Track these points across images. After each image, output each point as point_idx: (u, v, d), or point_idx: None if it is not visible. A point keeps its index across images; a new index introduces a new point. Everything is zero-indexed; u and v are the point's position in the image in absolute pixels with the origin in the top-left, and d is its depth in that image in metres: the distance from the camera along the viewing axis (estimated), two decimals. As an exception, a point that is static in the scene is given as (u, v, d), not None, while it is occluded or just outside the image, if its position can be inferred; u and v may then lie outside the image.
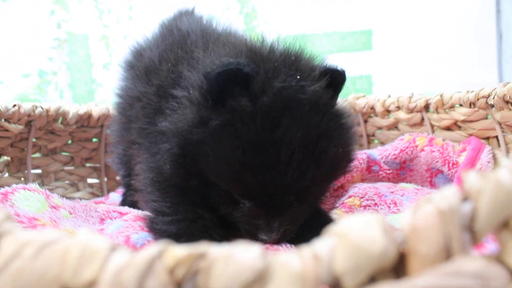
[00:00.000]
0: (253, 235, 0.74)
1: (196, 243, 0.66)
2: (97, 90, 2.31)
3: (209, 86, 0.67)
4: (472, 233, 0.32)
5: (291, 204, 0.71)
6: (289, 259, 0.30)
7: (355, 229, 0.31)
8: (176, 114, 0.73)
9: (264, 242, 0.74)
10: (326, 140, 0.67)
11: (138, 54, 1.07)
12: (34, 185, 0.92)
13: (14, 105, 1.07)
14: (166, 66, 0.90)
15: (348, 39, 2.27)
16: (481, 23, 2.14)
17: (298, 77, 0.68)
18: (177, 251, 0.30)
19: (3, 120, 1.05)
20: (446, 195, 0.33)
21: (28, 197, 0.87)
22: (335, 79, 0.74)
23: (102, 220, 0.95)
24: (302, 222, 0.79)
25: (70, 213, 0.91)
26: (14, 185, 0.90)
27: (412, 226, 0.31)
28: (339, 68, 0.77)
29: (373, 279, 0.30)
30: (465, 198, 0.33)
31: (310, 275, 0.29)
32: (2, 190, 0.87)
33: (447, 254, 0.31)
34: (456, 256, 0.31)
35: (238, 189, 0.70)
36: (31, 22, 2.23)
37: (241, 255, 0.30)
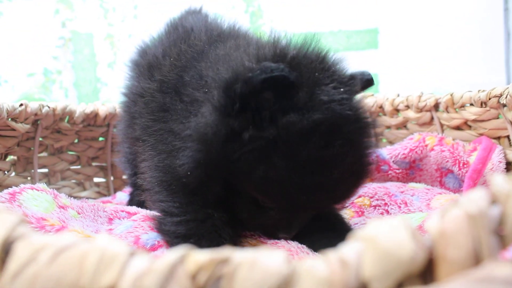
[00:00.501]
0: (269, 233, 0.75)
1: (211, 245, 0.65)
2: (102, 89, 2.30)
3: (247, 93, 0.61)
4: (499, 237, 0.31)
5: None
6: (315, 265, 0.29)
7: (383, 233, 0.30)
8: (195, 118, 0.69)
9: (281, 238, 0.74)
10: (366, 157, 0.68)
11: (143, 52, 1.07)
12: (42, 185, 0.91)
13: (21, 104, 1.06)
14: (169, 60, 0.88)
15: (354, 37, 2.26)
16: (488, 21, 2.13)
17: (342, 89, 0.65)
18: (199, 256, 0.29)
19: (9, 119, 1.04)
20: (474, 199, 0.32)
21: (36, 197, 0.86)
22: (364, 85, 0.76)
23: (110, 220, 0.94)
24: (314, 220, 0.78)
25: (78, 213, 0.90)
26: (22, 185, 0.89)
27: (441, 230, 0.30)
28: (370, 74, 0.79)
29: (400, 284, 0.29)
30: (493, 201, 0.32)
31: (337, 281, 0.28)
32: (10, 190, 0.86)
33: (477, 259, 0.30)
34: (486, 262, 0.30)
35: (282, 204, 0.69)
36: (36, 21, 2.22)
37: (265, 260, 0.29)
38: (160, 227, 0.75)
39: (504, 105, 1.04)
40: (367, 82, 0.78)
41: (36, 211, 0.81)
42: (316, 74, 0.64)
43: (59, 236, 0.32)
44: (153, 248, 0.74)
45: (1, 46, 2.18)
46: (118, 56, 2.28)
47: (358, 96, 0.71)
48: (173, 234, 0.72)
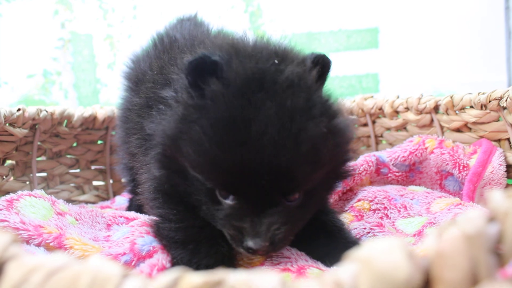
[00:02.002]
0: (238, 242, 0.68)
1: (210, 251, 0.65)
2: (102, 90, 2.30)
3: (186, 80, 0.68)
4: (498, 256, 0.31)
5: (278, 200, 0.67)
6: (310, 287, 0.29)
7: (378, 254, 0.29)
8: (163, 115, 0.73)
9: (251, 252, 0.68)
10: (304, 117, 0.64)
11: (133, 64, 1.07)
12: (40, 192, 0.91)
13: (19, 109, 1.06)
14: (152, 74, 0.91)
15: (354, 37, 2.25)
16: (489, 20, 2.12)
17: (276, 61, 0.68)
18: (193, 279, 0.29)
19: (7, 124, 1.03)
20: (471, 218, 0.31)
21: (34, 203, 0.86)
22: (323, 67, 0.73)
23: (108, 226, 0.94)
24: (306, 230, 0.75)
25: (77, 220, 0.89)
26: (19, 192, 0.89)
27: (437, 251, 0.30)
28: (325, 55, 0.75)
29: (397, 306, 0.29)
30: (491, 219, 0.32)
31: (332, 304, 0.28)
32: (8, 197, 0.85)
33: (474, 280, 0.29)
34: (484, 282, 0.29)
35: (215, 175, 0.66)
36: (35, 23, 2.22)
37: (260, 283, 0.28)
38: (158, 231, 0.76)
39: (505, 108, 1.03)
40: (326, 63, 0.74)
41: (34, 218, 0.80)
42: (253, 53, 0.69)
43: (51, 257, 0.31)
44: (149, 255, 0.74)
45: (0, 47, 2.18)
46: (117, 57, 2.28)
47: (308, 73, 0.70)
48: (172, 240, 0.73)
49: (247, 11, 2.26)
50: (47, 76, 2.24)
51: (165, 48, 0.97)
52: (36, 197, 0.88)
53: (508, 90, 1.00)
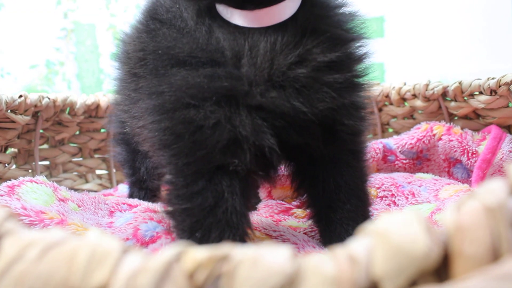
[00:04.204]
0: None
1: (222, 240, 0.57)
2: (105, 80, 2.29)
3: None
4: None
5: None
6: (321, 262, 0.27)
7: (395, 227, 0.27)
8: None
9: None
10: None
11: (121, 45, 1.00)
12: (41, 178, 0.90)
13: (20, 96, 1.04)
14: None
15: (359, 26, 2.23)
16: (496, 9, 2.09)
17: None
18: (197, 254, 0.27)
19: (9, 111, 1.02)
20: (492, 189, 0.30)
21: (35, 189, 0.84)
22: None
23: (111, 213, 0.92)
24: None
25: (79, 206, 0.88)
26: (21, 178, 0.87)
27: (457, 224, 0.28)
28: None
29: (414, 283, 0.27)
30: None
31: (345, 279, 0.26)
32: (9, 183, 0.84)
33: (495, 255, 0.27)
34: (505, 257, 0.27)
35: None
36: (38, 13, 2.20)
37: (268, 257, 0.26)
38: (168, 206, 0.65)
39: (515, 93, 1.01)
40: None
41: (35, 204, 0.79)
42: None
43: (48, 232, 0.30)
44: (152, 240, 0.72)
45: (3, 38, 2.16)
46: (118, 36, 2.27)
47: None
48: (179, 226, 0.63)
49: None
50: (50, 66, 2.23)
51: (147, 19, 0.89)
52: (37, 183, 0.87)
53: (518, 75, 0.98)
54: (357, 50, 0.67)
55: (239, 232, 0.61)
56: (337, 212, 0.72)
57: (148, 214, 0.79)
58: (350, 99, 0.64)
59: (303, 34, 0.60)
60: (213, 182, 0.60)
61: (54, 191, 0.87)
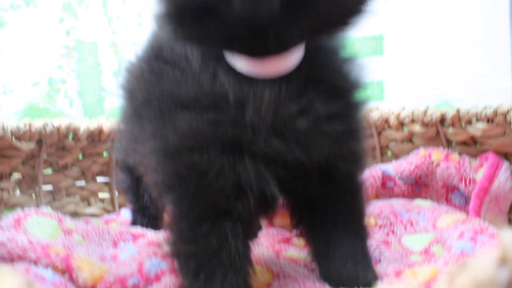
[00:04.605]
0: None
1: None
2: (107, 97, 2.30)
3: None
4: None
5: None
6: None
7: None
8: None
9: None
10: None
11: (127, 74, 1.00)
12: (47, 209, 0.91)
13: (25, 124, 1.06)
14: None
15: (359, 44, 2.25)
16: (494, 28, 2.12)
17: None
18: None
19: (14, 139, 1.04)
20: (482, 262, 0.31)
21: (41, 222, 0.86)
22: None
23: (115, 243, 0.94)
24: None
25: (83, 238, 0.90)
26: (26, 209, 0.89)
27: (450, 300, 0.30)
28: None
29: None
30: (502, 261, 0.32)
31: None
32: (15, 215, 0.86)
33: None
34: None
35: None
36: (40, 30, 2.22)
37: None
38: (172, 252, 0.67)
39: (511, 123, 1.03)
40: None
41: (41, 238, 0.80)
42: None
43: None
44: (157, 277, 0.74)
45: (6, 55, 2.19)
46: (122, 65, 2.29)
47: None
48: (183, 266, 0.65)
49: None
50: (52, 84, 2.24)
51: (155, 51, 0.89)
52: (43, 215, 0.88)
53: (514, 105, 1.00)
54: (357, 99, 0.68)
55: (242, 273, 0.63)
56: (336, 249, 0.73)
57: (152, 249, 0.81)
58: (348, 147, 0.66)
59: (307, 83, 0.62)
60: (217, 226, 0.61)
61: (59, 223, 0.88)
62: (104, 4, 2.24)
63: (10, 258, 0.75)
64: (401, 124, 1.34)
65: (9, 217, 0.85)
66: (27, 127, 1.06)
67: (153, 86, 0.68)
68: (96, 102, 2.29)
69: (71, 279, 0.74)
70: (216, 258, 0.61)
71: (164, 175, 0.64)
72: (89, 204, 1.36)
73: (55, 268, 0.75)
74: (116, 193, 1.41)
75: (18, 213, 0.87)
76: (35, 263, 0.75)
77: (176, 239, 0.65)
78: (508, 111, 1.02)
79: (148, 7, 2.23)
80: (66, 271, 0.74)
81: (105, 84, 2.29)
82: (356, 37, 2.22)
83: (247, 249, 0.65)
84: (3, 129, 0.98)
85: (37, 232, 0.83)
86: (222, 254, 0.61)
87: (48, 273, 0.73)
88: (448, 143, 1.24)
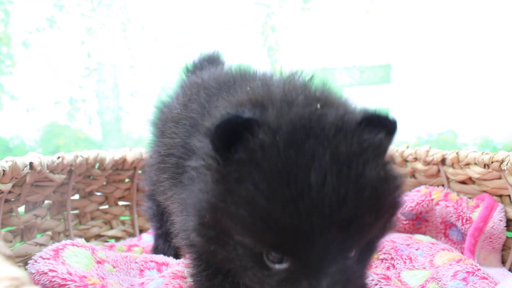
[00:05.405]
0: None
1: None
2: (124, 116, 2.41)
3: (212, 143, 0.62)
4: None
5: (336, 256, 0.59)
6: None
7: None
8: (196, 184, 0.68)
9: None
10: (360, 161, 0.59)
11: (160, 112, 1.10)
12: (81, 241, 1.01)
13: (58, 157, 1.16)
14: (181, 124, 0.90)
15: (367, 72, 2.35)
16: (499, 60, 2.21)
17: (318, 106, 0.64)
18: None
19: (48, 171, 1.13)
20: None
21: (77, 253, 0.96)
22: (384, 125, 0.65)
23: (141, 272, 1.04)
24: None
25: (114, 267, 0.99)
26: (63, 241, 0.99)
27: None
28: (388, 115, 0.67)
29: None
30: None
31: None
32: (54, 246, 0.96)
33: None
34: None
35: (269, 235, 0.58)
36: (63, 52, 2.33)
37: None
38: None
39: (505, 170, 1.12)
40: (389, 124, 0.66)
41: (78, 268, 0.90)
42: (290, 99, 0.65)
43: None
44: (182, 308, 0.84)
45: (29, 75, 2.30)
46: (139, 86, 2.40)
47: (351, 116, 0.65)
48: None
49: (265, 45, 2.37)
50: (72, 103, 2.36)
51: (192, 95, 0.95)
52: (78, 246, 0.98)
53: (509, 155, 1.09)
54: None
55: None
56: None
57: (177, 281, 0.90)
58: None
59: None
60: (228, 275, 0.74)
61: (92, 253, 0.98)
62: (124, 28, 2.35)
63: (51, 287, 0.85)
64: (405, 161, 1.43)
65: (48, 249, 0.95)
66: (60, 160, 1.16)
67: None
68: (113, 121, 2.40)
69: (107, 308, 0.84)
70: None
71: (187, 232, 0.75)
72: (111, 227, 1.45)
73: (92, 298, 0.85)
74: (136, 215, 1.50)
75: (56, 244, 0.97)
76: (74, 293, 0.85)
77: (197, 285, 0.78)
78: (502, 160, 1.11)
79: (165, 33, 2.35)
80: (102, 301, 0.84)
81: (123, 104, 2.40)
82: (365, 66, 2.32)
83: None
84: (41, 164, 1.07)
85: (74, 262, 0.93)
86: None
87: (86, 303, 0.83)
88: (448, 181, 1.33)
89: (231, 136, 0.60)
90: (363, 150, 0.60)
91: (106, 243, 1.34)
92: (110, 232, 1.43)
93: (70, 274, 0.87)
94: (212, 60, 1.25)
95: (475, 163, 1.21)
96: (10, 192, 1.05)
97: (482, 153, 1.18)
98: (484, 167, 1.18)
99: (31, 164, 1.06)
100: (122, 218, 1.50)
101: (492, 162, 1.14)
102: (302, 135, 0.59)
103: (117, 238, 1.44)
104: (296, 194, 0.55)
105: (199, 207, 0.65)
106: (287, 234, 0.57)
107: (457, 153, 1.25)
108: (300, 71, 0.82)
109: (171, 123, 0.93)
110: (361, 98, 2.28)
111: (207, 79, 0.98)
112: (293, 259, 0.60)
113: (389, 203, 0.64)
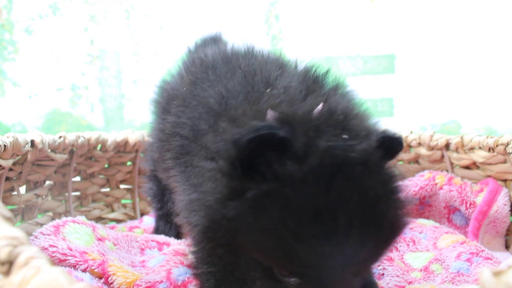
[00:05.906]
0: None
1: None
2: (126, 104, 2.40)
3: (238, 154, 0.58)
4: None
5: (348, 279, 0.60)
6: None
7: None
8: (205, 185, 0.66)
9: None
10: (384, 202, 0.58)
11: (162, 91, 1.08)
12: (82, 218, 1.00)
13: (60, 137, 1.15)
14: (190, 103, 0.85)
15: (371, 62, 2.34)
16: (503, 51, 2.19)
17: (346, 136, 0.60)
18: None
19: (49, 150, 1.13)
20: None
21: (77, 230, 0.95)
22: (391, 146, 0.65)
23: (142, 250, 1.03)
24: None
25: (114, 245, 0.99)
26: (64, 218, 0.98)
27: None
28: (396, 135, 0.66)
29: None
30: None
31: None
32: (54, 223, 0.95)
33: None
34: None
35: (290, 265, 0.58)
36: (66, 39, 2.32)
37: None
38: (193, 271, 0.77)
39: (511, 153, 1.11)
40: (397, 144, 0.66)
41: (79, 245, 0.89)
42: (317, 123, 0.61)
43: None
44: (184, 284, 0.83)
45: (32, 62, 2.29)
46: (142, 73, 2.39)
47: (373, 144, 0.61)
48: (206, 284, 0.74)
49: (268, 34, 2.36)
50: (75, 90, 2.35)
51: (198, 73, 0.91)
52: (79, 223, 0.97)
53: (514, 137, 1.08)
54: None
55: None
56: None
57: (178, 258, 0.89)
58: None
59: None
60: (229, 249, 0.67)
61: (93, 231, 0.97)
62: (127, 16, 2.34)
63: (51, 262, 0.84)
64: (408, 146, 1.42)
65: (49, 225, 0.94)
66: (62, 140, 1.15)
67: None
68: (116, 109, 2.39)
69: (107, 283, 0.83)
70: (231, 275, 0.69)
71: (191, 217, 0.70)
72: (112, 210, 1.45)
73: (92, 273, 0.84)
74: (138, 199, 1.50)
75: (57, 221, 0.96)
76: (74, 267, 0.84)
77: (198, 263, 0.74)
78: (508, 143, 1.10)
79: (169, 20, 2.34)
80: (102, 275, 0.84)
81: (125, 91, 2.39)
82: (369, 56, 2.31)
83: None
84: (42, 142, 1.06)
85: (75, 239, 0.92)
86: (235, 271, 0.69)
87: (86, 277, 0.83)
88: (452, 167, 1.32)
89: (261, 152, 0.57)
90: (385, 190, 0.60)
91: (107, 225, 1.34)
92: (111, 215, 1.43)
93: (71, 249, 0.86)
94: (215, 40, 1.24)
95: (480, 147, 1.20)
96: (11, 170, 1.04)
97: (487, 136, 1.17)
98: (489, 151, 1.17)
99: (32, 141, 1.05)
100: (124, 201, 1.50)
101: (497, 146, 1.13)
102: (330, 170, 0.56)
103: (118, 221, 1.43)
104: (324, 236, 0.55)
105: (210, 211, 0.62)
106: (307, 268, 0.57)
107: (461, 138, 1.24)
108: (316, 66, 0.78)
109: (176, 101, 0.90)
110: (364, 88, 2.27)
111: (212, 57, 0.94)
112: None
113: (401, 234, 0.65)
